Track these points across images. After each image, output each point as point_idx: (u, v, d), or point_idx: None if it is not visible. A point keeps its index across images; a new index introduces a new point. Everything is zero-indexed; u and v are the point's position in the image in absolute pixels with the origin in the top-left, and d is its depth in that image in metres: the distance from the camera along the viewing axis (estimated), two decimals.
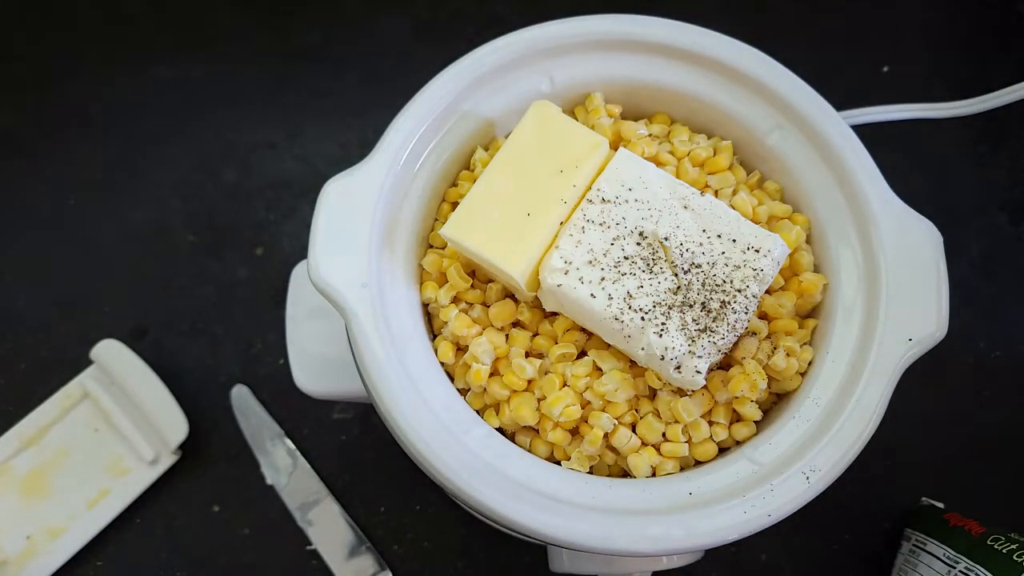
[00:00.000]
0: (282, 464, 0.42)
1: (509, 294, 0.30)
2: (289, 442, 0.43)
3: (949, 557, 0.36)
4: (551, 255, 0.27)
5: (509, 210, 0.27)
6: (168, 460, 0.41)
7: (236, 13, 0.52)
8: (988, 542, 0.36)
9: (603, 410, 0.27)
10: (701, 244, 0.27)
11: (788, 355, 0.28)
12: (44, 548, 0.39)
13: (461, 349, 0.29)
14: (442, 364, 0.29)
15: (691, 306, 0.27)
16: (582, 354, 0.29)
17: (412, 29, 0.52)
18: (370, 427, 0.43)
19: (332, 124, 0.50)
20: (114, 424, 0.41)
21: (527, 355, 0.29)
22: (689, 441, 0.28)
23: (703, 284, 0.27)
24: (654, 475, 0.28)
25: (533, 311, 0.29)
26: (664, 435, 0.28)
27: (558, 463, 0.28)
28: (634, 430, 0.28)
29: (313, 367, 0.34)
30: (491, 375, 0.28)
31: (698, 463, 0.28)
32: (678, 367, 0.26)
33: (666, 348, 0.26)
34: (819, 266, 0.30)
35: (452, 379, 0.29)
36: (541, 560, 0.37)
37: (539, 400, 0.28)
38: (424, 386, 0.27)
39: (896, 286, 0.28)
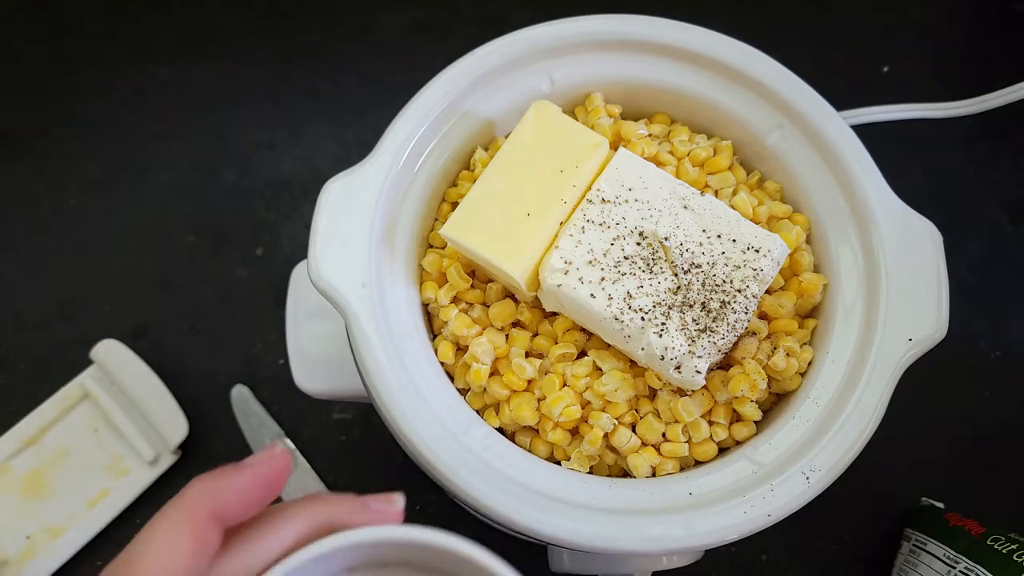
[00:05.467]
0: None
1: (509, 294, 0.30)
2: (289, 442, 0.43)
3: (949, 557, 0.36)
4: (551, 255, 0.27)
5: (509, 210, 0.27)
6: (168, 460, 0.41)
7: (236, 13, 0.52)
8: (988, 542, 0.36)
9: (603, 410, 0.27)
10: (701, 244, 0.27)
11: (788, 355, 0.28)
12: (44, 548, 0.39)
13: (461, 349, 0.29)
14: (442, 364, 0.29)
15: (691, 306, 0.27)
16: (582, 354, 0.29)
17: (411, 29, 0.52)
18: (370, 427, 0.43)
19: (332, 124, 0.50)
20: (114, 424, 0.41)
21: (527, 355, 0.29)
22: (689, 441, 0.28)
23: (703, 284, 0.27)
24: (654, 475, 0.28)
25: (533, 311, 0.29)
26: (664, 435, 0.28)
27: (558, 463, 0.28)
28: (634, 430, 0.28)
29: (313, 367, 0.34)
30: (491, 375, 0.28)
31: (698, 463, 0.28)
32: (678, 367, 0.26)
33: (666, 348, 0.26)
34: (819, 266, 0.30)
35: (452, 379, 0.29)
36: (541, 560, 0.37)
37: (539, 400, 0.28)
38: (424, 386, 0.27)
39: (896, 286, 0.28)
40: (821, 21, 0.53)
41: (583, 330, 0.29)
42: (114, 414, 0.41)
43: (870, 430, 0.26)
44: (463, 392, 0.29)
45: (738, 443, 0.28)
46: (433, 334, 0.30)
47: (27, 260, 0.47)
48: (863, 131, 0.31)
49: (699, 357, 0.26)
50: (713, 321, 0.26)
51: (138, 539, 0.18)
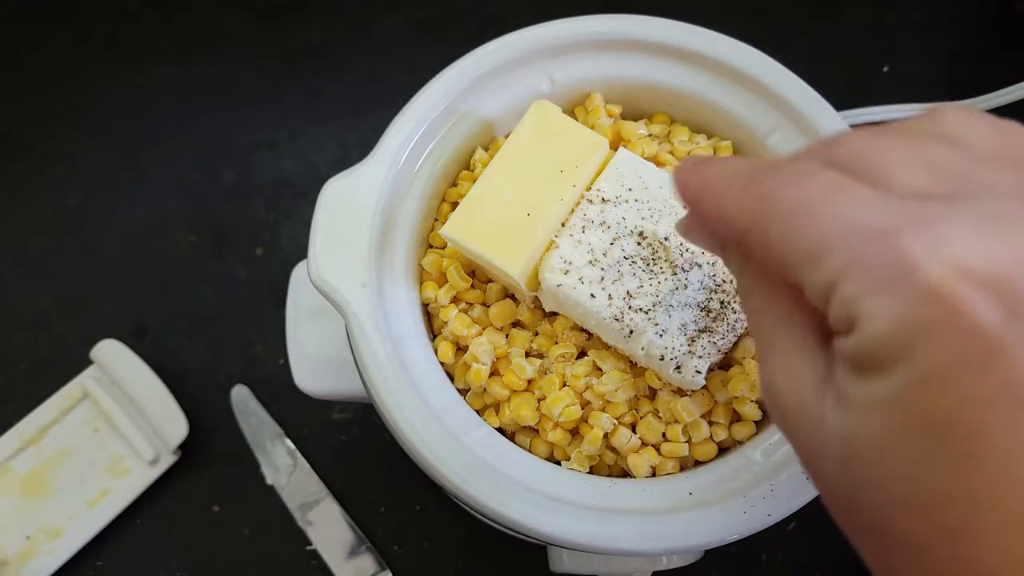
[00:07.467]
0: (282, 464, 0.42)
1: (509, 294, 0.30)
2: (289, 442, 0.43)
3: None
4: (551, 255, 0.27)
5: (509, 210, 0.27)
6: (168, 460, 0.41)
7: (236, 13, 0.52)
8: None
9: (603, 410, 0.27)
10: None
11: None
12: (44, 548, 0.39)
13: (461, 349, 0.29)
14: (442, 364, 0.29)
15: (691, 306, 0.27)
16: (582, 354, 0.29)
17: (412, 29, 0.52)
18: (370, 427, 0.43)
19: (332, 124, 0.50)
20: (114, 424, 0.41)
21: (527, 355, 0.29)
22: (689, 441, 0.28)
23: (703, 284, 0.27)
24: (654, 475, 0.28)
25: (533, 311, 0.29)
26: (664, 435, 0.28)
27: (558, 463, 0.28)
28: (634, 430, 0.28)
29: (313, 367, 0.34)
30: (491, 375, 0.28)
31: (698, 463, 0.28)
32: (678, 367, 0.26)
33: (666, 348, 0.26)
34: None
35: (452, 379, 0.29)
36: (541, 560, 0.37)
37: (539, 400, 0.28)
38: (424, 386, 0.27)
39: None
40: (821, 21, 0.53)
41: (583, 330, 0.29)
42: (114, 414, 0.41)
43: None
44: (463, 392, 0.29)
45: (738, 443, 0.28)
46: (433, 334, 0.30)
47: (27, 260, 0.47)
48: None
49: (699, 357, 0.26)
50: (713, 321, 0.26)
51: None
